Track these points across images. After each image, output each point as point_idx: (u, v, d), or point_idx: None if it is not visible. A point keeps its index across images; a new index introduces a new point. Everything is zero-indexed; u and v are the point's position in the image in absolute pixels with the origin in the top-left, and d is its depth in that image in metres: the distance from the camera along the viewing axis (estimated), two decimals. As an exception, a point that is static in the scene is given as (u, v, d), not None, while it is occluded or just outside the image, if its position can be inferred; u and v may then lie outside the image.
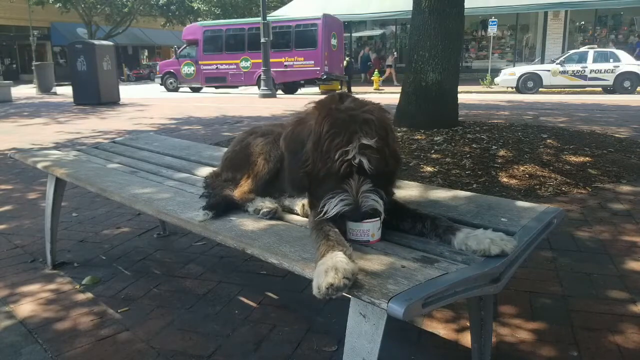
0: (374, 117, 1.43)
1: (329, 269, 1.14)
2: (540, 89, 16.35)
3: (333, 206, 1.40)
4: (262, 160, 1.87)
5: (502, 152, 4.86)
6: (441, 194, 1.93)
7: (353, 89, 20.19)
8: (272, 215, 1.72)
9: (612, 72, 15.45)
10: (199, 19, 33.28)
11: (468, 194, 1.93)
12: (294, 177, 1.56)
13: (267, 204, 1.74)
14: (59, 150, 3.21)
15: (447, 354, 1.94)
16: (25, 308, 2.32)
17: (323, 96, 1.61)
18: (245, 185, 1.88)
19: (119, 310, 2.28)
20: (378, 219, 1.43)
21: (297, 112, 1.62)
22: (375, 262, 1.29)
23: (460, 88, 6.36)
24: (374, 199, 1.40)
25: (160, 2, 35.22)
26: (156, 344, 2.00)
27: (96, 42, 14.45)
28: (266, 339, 2.03)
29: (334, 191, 1.41)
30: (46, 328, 2.14)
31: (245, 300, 2.37)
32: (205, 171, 2.39)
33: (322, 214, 1.42)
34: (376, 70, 20.88)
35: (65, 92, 17.99)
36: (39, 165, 2.73)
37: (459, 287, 1.21)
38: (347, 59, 21.32)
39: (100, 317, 2.23)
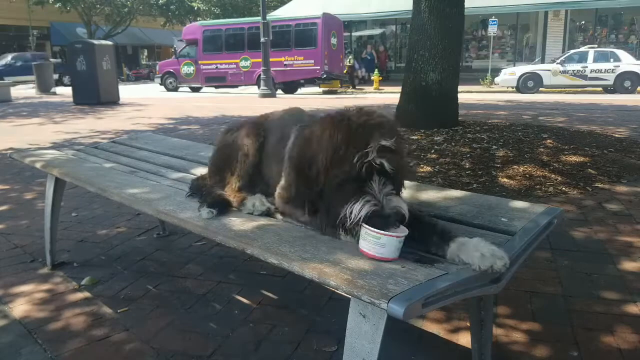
0: (387, 120, 1.44)
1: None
2: (540, 89, 16.34)
3: (358, 210, 1.32)
4: (243, 155, 1.93)
5: (502, 152, 4.85)
6: (441, 194, 1.93)
7: (351, 89, 20.21)
8: (266, 213, 1.76)
9: (612, 71, 15.45)
10: (198, 19, 33.26)
11: (468, 193, 1.93)
12: (301, 195, 1.56)
13: (257, 207, 1.76)
14: (57, 150, 3.20)
15: (447, 354, 1.94)
16: (25, 308, 2.32)
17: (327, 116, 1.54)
18: (234, 183, 1.92)
19: (118, 310, 2.28)
20: (404, 235, 1.31)
21: (300, 127, 1.66)
22: (375, 262, 1.29)
23: (460, 88, 6.36)
24: (398, 202, 1.34)
25: (160, 2, 35.19)
26: (156, 344, 1.99)
27: (96, 41, 14.44)
28: (266, 339, 2.02)
29: (356, 196, 1.34)
30: (45, 328, 2.13)
31: (245, 300, 2.37)
32: (203, 171, 2.38)
33: (343, 222, 1.36)
34: (376, 69, 20.82)
35: (64, 92, 17.94)
36: (38, 165, 2.72)
37: (459, 287, 1.20)
38: (350, 57, 21.29)
39: (100, 317, 2.22)
